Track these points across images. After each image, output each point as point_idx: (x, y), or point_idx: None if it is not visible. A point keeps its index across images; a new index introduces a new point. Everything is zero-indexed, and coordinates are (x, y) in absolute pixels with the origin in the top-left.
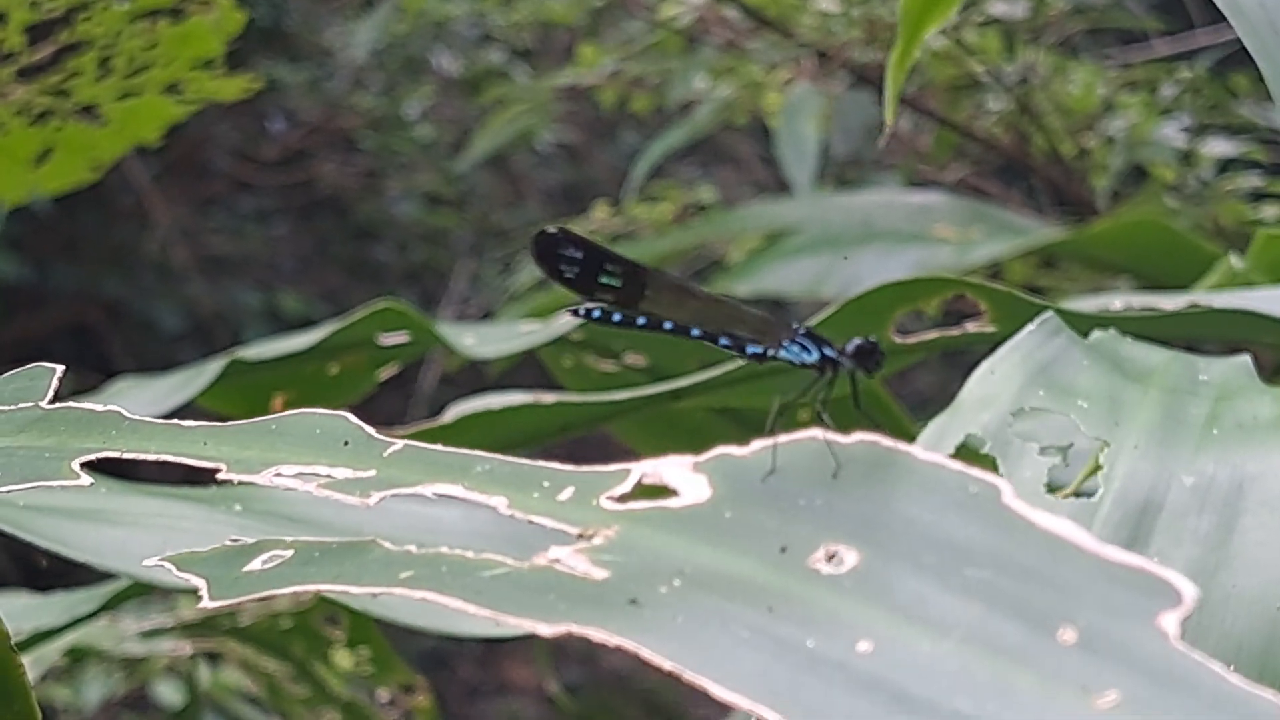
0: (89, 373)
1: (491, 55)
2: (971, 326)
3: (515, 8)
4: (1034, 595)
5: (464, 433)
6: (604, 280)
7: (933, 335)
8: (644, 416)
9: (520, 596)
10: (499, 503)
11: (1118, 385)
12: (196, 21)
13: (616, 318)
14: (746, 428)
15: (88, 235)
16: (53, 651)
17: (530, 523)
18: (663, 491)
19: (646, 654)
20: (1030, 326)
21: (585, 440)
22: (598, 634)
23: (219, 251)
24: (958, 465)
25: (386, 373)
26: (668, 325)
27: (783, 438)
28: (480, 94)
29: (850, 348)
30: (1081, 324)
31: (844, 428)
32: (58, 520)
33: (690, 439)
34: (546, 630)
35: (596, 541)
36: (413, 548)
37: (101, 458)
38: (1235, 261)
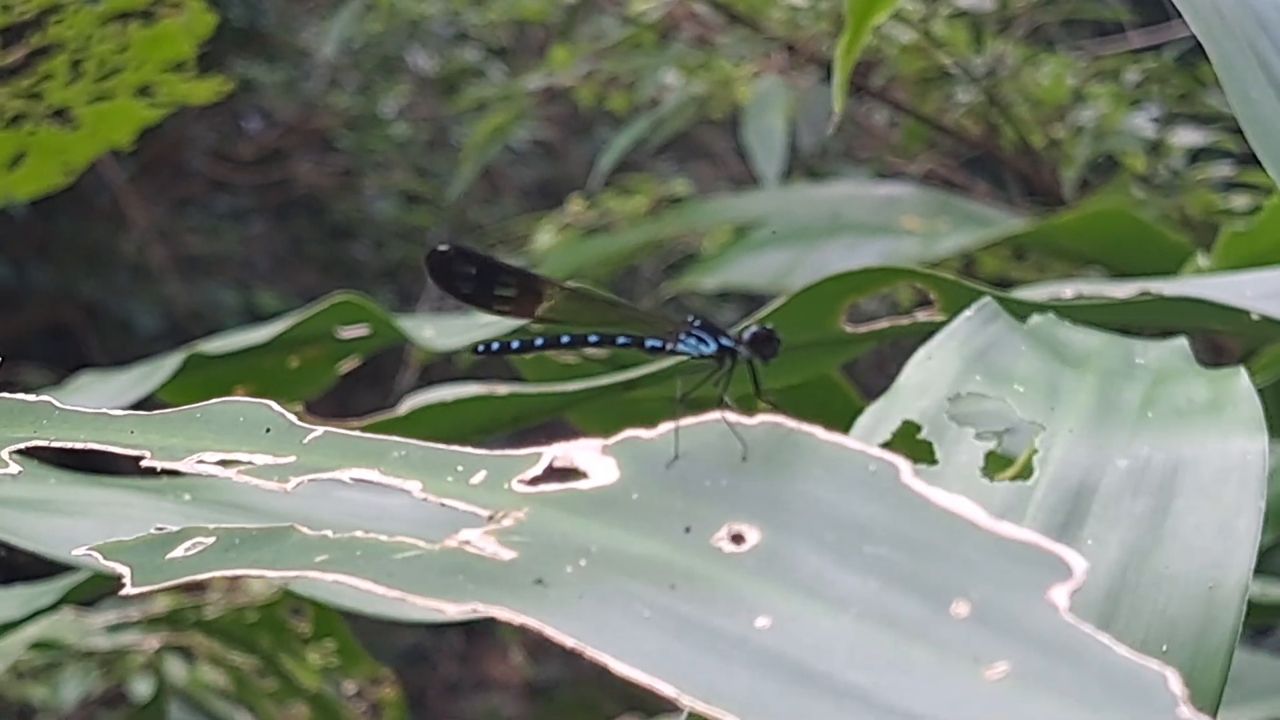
0: (67, 372)
1: (466, 53)
2: (922, 315)
3: (489, 6)
4: (929, 570)
5: (418, 424)
6: (499, 292)
7: (883, 324)
8: (599, 406)
9: (430, 578)
10: (413, 486)
11: (1055, 370)
12: (167, 24)
13: (515, 345)
14: (698, 413)
15: (64, 235)
16: (16, 645)
17: (443, 505)
18: (573, 474)
19: (550, 632)
20: (967, 312)
21: (554, 425)
22: (503, 613)
23: (195, 251)
24: (858, 444)
25: (347, 366)
26: (565, 339)
27: (687, 420)
28: (456, 92)
29: (747, 336)
30: (1019, 312)
31: (749, 412)
32: (6, 510)
33: (643, 425)
34: (453, 610)
35: (506, 523)
36: (329, 532)
37: (35, 446)
38: (1202, 260)
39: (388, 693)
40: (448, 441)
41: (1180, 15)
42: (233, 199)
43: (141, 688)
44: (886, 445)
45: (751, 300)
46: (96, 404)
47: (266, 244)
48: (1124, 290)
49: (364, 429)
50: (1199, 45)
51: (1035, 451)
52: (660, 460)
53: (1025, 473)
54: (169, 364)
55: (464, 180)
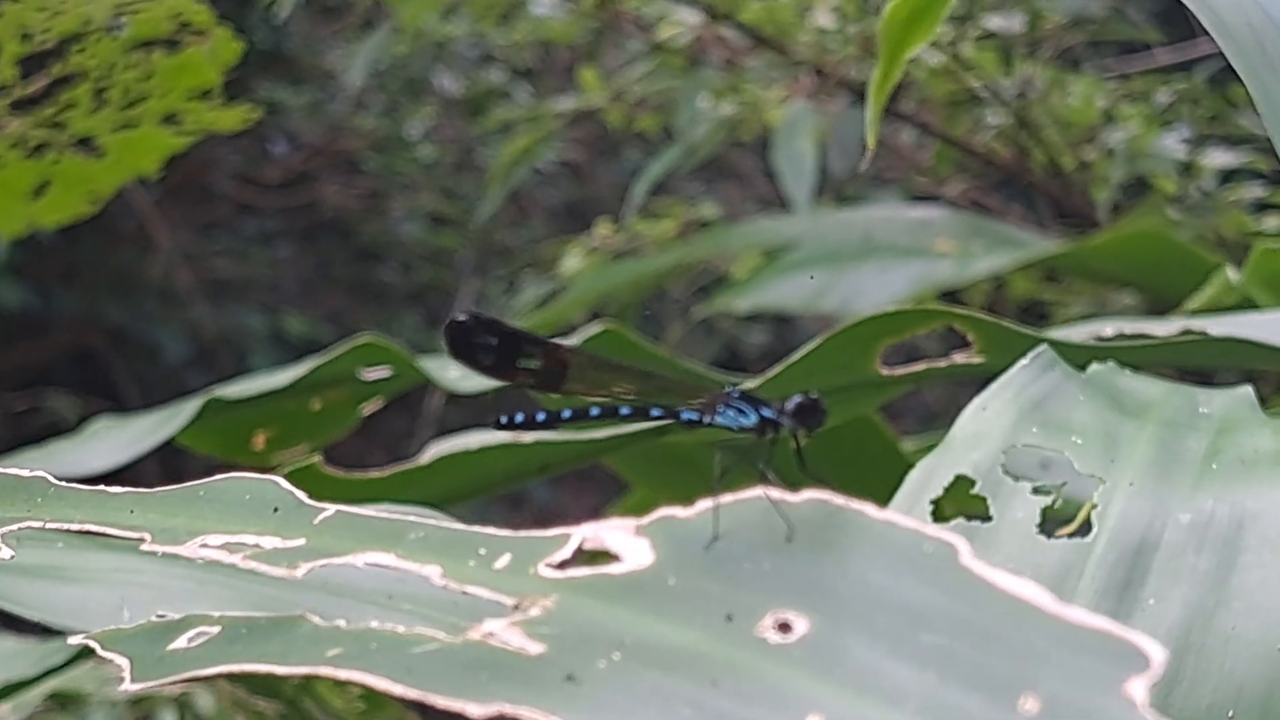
0: (94, 399)
1: (492, 75)
2: (959, 357)
3: (515, 27)
4: (993, 662)
5: (442, 474)
6: (522, 364)
7: (920, 367)
8: (632, 451)
9: (451, 674)
10: (432, 572)
11: (1114, 420)
12: (193, 52)
13: (540, 417)
14: (735, 455)
15: (90, 261)
16: (33, 697)
17: (464, 593)
18: (604, 557)
19: None
20: (1024, 361)
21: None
22: (531, 714)
23: (222, 275)
24: (912, 523)
25: (370, 407)
26: (594, 411)
27: (727, 498)
28: (482, 113)
29: (790, 406)
30: (1073, 355)
31: (793, 485)
32: (11, 578)
33: (681, 470)
34: (477, 711)
35: (533, 613)
36: (342, 622)
37: (25, 528)
38: (1232, 274)
39: None
40: (474, 490)
41: (1207, 33)
42: (259, 222)
43: None
44: (939, 501)
45: (782, 321)
46: (113, 452)
47: (294, 267)
48: (1166, 328)
49: (386, 479)
50: (1229, 66)
51: (1094, 506)
52: (698, 541)
53: (1084, 528)
54: (188, 409)
55: (491, 203)
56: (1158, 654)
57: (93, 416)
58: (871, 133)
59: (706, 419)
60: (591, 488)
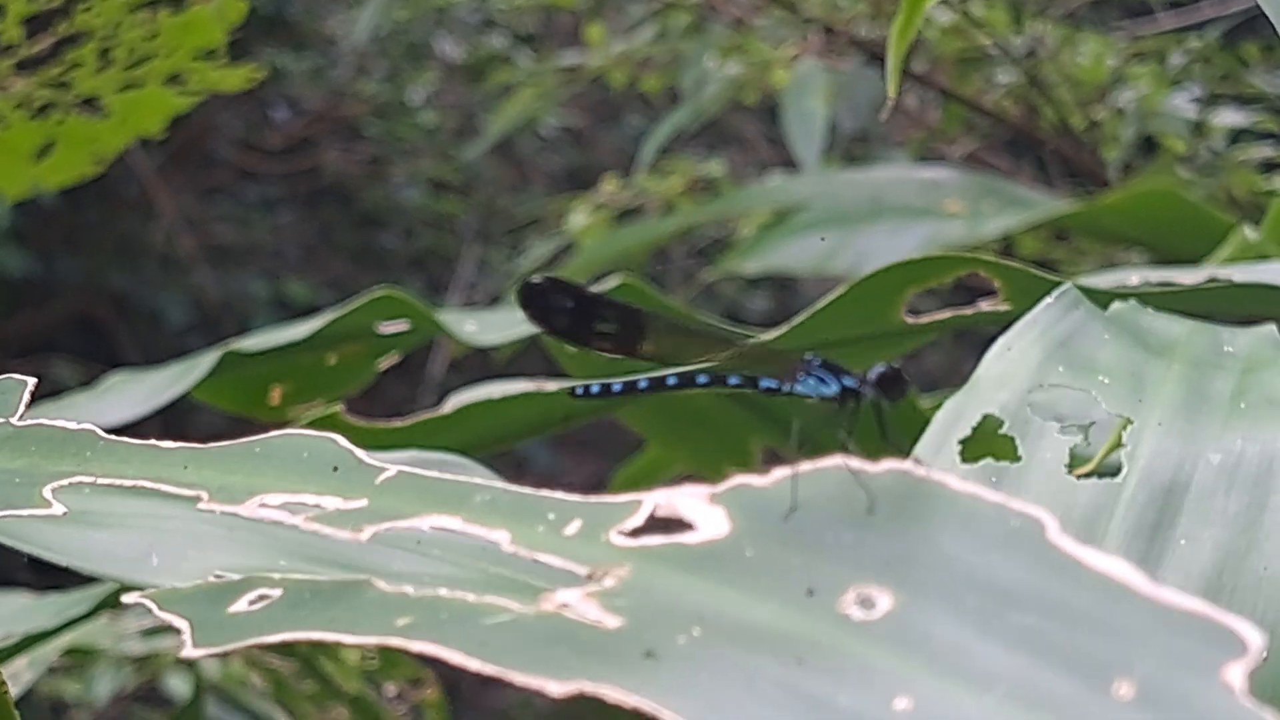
0: (97, 365)
1: (494, 40)
2: (985, 305)
3: None
4: (1085, 644)
5: (464, 423)
6: (599, 327)
7: (946, 315)
8: (649, 403)
9: (528, 648)
10: (501, 537)
11: (1140, 359)
12: (198, 11)
13: (616, 388)
14: (753, 411)
15: (92, 227)
16: (49, 652)
17: (535, 560)
18: (678, 525)
19: (668, 715)
20: (1048, 300)
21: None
22: (613, 692)
23: (224, 241)
24: (997, 497)
25: (387, 362)
26: (671, 380)
27: (805, 467)
28: (483, 79)
29: (872, 375)
30: (1099, 299)
31: (869, 455)
32: (39, 524)
33: (694, 426)
34: (557, 689)
35: (608, 583)
36: (409, 589)
37: (76, 482)
38: (1249, 233)
39: (429, 694)
40: (497, 440)
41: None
42: (261, 188)
43: (175, 683)
44: (967, 441)
45: (784, 287)
46: (130, 405)
47: (296, 233)
48: (1191, 276)
49: (410, 428)
50: (1238, 25)
51: (1123, 446)
52: (775, 511)
53: (1114, 469)
54: (204, 363)
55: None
56: (1255, 638)
57: (89, 383)
58: (893, 79)
59: (786, 387)
60: (592, 453)
